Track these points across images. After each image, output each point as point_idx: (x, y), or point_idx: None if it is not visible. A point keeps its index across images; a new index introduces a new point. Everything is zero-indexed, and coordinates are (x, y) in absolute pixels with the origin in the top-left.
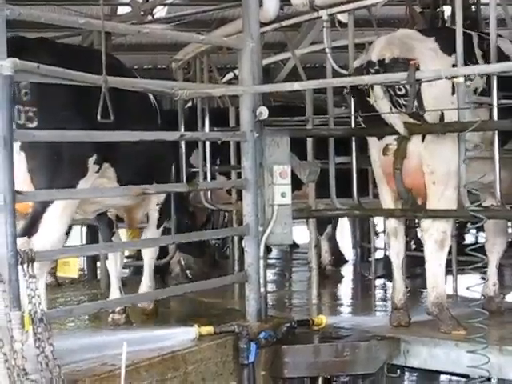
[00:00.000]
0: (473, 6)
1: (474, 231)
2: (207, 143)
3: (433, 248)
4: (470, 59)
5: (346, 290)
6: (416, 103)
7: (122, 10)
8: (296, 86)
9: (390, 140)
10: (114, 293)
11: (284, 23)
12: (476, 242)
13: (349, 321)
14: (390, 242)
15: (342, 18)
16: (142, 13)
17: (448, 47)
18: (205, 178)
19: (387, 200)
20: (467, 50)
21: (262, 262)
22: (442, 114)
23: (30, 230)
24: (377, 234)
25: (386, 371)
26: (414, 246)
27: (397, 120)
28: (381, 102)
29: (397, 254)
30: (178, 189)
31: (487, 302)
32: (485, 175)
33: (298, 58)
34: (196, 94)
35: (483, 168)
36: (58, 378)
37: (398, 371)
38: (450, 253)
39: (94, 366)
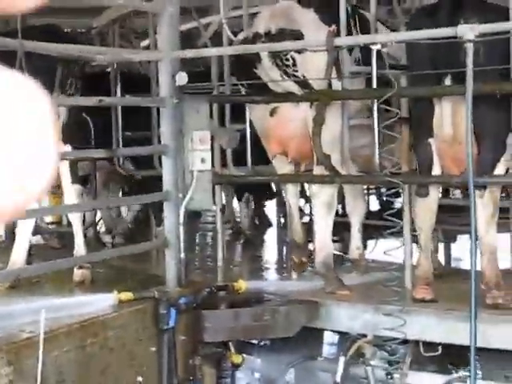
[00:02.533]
0: None
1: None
2: (119, 109)
3: (321, 211)
4: (350, 28)
5: (265, 254)
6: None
7: None
8: (214, 51)
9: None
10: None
11: None
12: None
13: (268, 285)
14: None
15: None
16: None
17: (327, 18)
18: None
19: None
20: (348, 20)
21: (181, 227)
22: (330, 82)
23: None
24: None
25: None
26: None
27: (291, 85)
28: (271, 73)
29: (295, 195)
30: (97, 154)
31: (352, 265)
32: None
33: (202, 25)
34: (114, 60)
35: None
36: None
37: None
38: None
39: (12, 334)
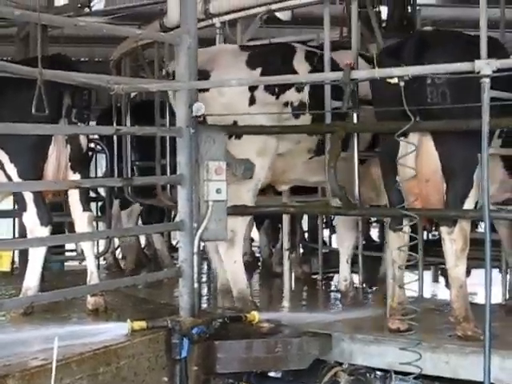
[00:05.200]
0: (409, 7)
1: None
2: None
3: (224, 247)
4: (284, 72)
5: (280, 284)
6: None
7: (59, 2)
8: (233, 82)
9: None
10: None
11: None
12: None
13: (281, 316)
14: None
15: (281, 15)
16: (80, 5)
17: (255, 62)
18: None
19: None
20: (282, 63)
21: (195, 257)
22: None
23: None
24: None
25: None
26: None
27: None
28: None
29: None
30: (112, 183)
31: (341, 297)
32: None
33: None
34: (132, 89)
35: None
36: None
37: None
38: None
39: (25, 361)
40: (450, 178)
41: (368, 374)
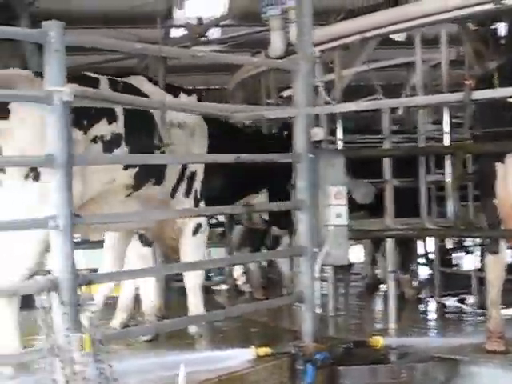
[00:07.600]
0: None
1: None
2: None
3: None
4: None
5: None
6: None
7: (177, 32)
8: (352, 106)
9: None
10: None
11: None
12: None
13: (406, 341)
14: None
15: (396, 37)
16: (197, 35)
17: None
18: None
19: None
20: None
21: (317, 282)
22: None
23: None
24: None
25: None
26: None
27: None
28: None
29: None
30: (234, 211)
31: None
32: None
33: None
34: (252, 117)
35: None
36: None
37: None
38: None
39: None
40: None
41: None
